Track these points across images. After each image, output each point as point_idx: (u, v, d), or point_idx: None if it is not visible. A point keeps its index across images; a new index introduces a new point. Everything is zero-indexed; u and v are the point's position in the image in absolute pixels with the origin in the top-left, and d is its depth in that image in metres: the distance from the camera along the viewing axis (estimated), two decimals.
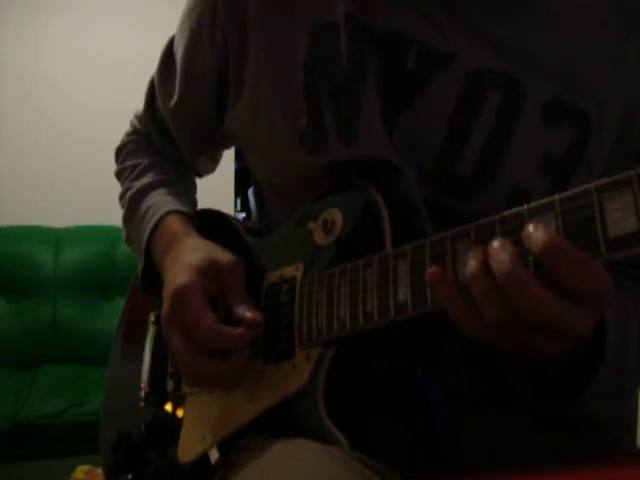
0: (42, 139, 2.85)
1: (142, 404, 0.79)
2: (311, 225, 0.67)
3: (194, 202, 0.89)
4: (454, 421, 0.64)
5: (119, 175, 0.92)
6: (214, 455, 0.67)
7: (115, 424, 0.84)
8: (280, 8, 0.69)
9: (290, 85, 0.68)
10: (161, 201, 0.82)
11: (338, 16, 0.67)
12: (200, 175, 0.98)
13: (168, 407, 0.77)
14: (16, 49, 2.83)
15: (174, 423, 0.74)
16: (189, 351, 0.65)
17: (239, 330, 0.64)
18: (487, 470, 0.61)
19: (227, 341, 0.64)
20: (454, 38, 0.64)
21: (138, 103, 0.92)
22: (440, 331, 0.59)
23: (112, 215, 1.19)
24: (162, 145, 0.90)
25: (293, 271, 0.67)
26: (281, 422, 0.63)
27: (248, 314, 0.65)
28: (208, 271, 0.67)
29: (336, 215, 0.65)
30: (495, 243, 0.47)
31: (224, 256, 0.69)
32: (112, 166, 0.95)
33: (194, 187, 0.96)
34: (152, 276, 0.79)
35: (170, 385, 0.76)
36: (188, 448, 0.71)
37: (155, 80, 0.86)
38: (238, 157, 2.78)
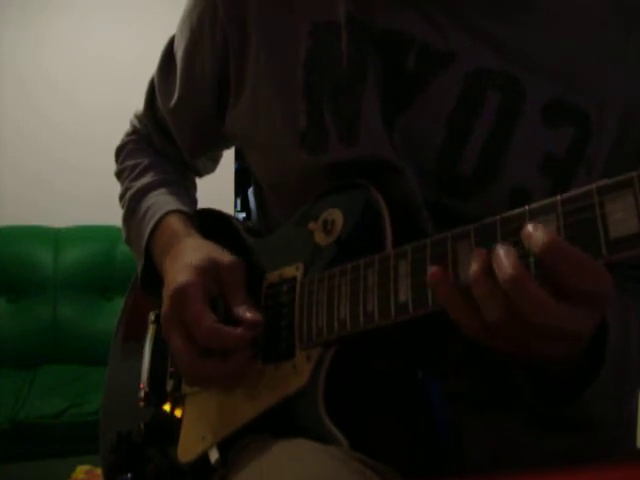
0: (42, 139, 2.85)
1: (142, 404, 0.79)
2: (311, 225, 0.67)
3: (194, 202, 0.89)
4: (455, 421, 0.64)
5: (119, 175, 0.92)
6: (214, 455, 0.67)
7: (115, 424, 0.84)
8: (280, 8, 0.69)
9: (290, 85, 0.68)
10: (161, 201, 0.82)
11: (338, 16, 0.67)
12: (200, 175, 0.98)
13: (168, 407, 0.77)
14: (16, 49, 2.83)
15: (174, 423, 0.74)
16: (189, 351, 0.65)
17: (239, 330, 0.64)
18: (487, 470, 0.61)
19: (226, 341, 0.64)
20: (454, 38, 0.64)
21: (138, 103, 0.92)
22: (441, 331, 0.59)
23: (112, 215, 1.19)
24: (162, 145, 0.90)
25: (293, 271, 0.67)
26: (281, 422, 0.63)
27: (248, 314, 0.65)
28: (208, 271, 0.67)
29: (336, 215, 0.65)
30: (499, 249, 0.47)
31: (224, 256, 0.69)
32: (112, 166, 0.95)
33: (194, 187, 0.96)
34: (152, 276, 0.79)
35: (170, 385, 0.76)
36: (188, 448, 0.71)
37: (155, 80, 0.86)
38: (238, 157, 2.78)
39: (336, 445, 0.57)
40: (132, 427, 0.78)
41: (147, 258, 0.80)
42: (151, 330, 0.81)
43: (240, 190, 3.14)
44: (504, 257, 0.46)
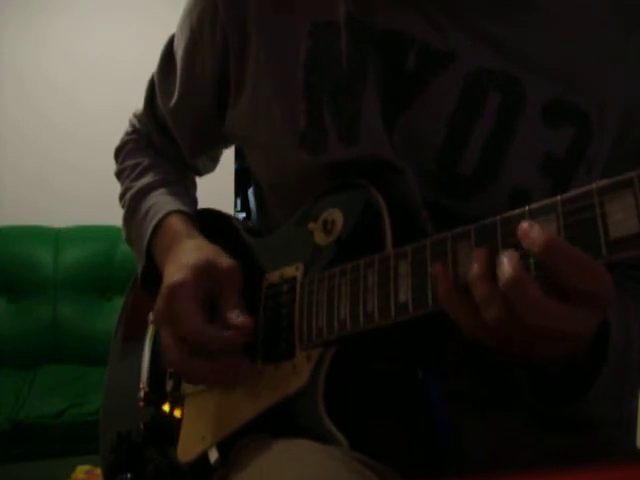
0: (42, 139, 2.85)
1: (142, 404, 0.79)
2: (311, 225, 0.67)
3: (194, 201, 0.89)
4: (454, 421, 0.64)
5: (119, 175, 0.92)
6: (214, 455, 0.67)
7: (115, 424, 0.84)
8: (280, 8, 0.69)
9: (290, 85, 0.68)
10: (162, 201, 0.82)
11: (338, 16, 0.67)
12: (200, 174, 0.98)
13: (167, 407, 0.77)
14: (16, 49, 2.83)
15: (174, 423, 0.74)
16: (179, 349, 0.65)
17: (227, 333, 0.64)
18: (487, 470, 0.62)
19: (213, 343, 0.64)
20: (454, 38, 0.64)
21: (138, 103, 0.92)
22: (441, 331, 0.59)
23: (112, 215, 1.19)
24: (162, 144, 0.90)
25: (293, 271, 0.67)
26: (281, 422, 0.63)
27: (239, 319, 0.65)
28: (204, 272, 0.67)
29: (336, 215, 0.65)
30: (503, 254, 0.47)
31: (223, 259, 0.69)
32: (112, 166, 0.94)
33: (194, 186, 0.96)
34: (152, 276, 0.79)
35: (169, 385, 0.76)
36: (188, 448, 0.71)
37: (155, 79, 0.86)
38: (238, 157, 2.78)
39: (336, 445, 0.57)
40: (132, 427, 0.78)
41: (148, 258, 0.80)
42: (151, 330, 0.81)
43: (240, 190, 3.14)
44: (505, 259, 0.46)
